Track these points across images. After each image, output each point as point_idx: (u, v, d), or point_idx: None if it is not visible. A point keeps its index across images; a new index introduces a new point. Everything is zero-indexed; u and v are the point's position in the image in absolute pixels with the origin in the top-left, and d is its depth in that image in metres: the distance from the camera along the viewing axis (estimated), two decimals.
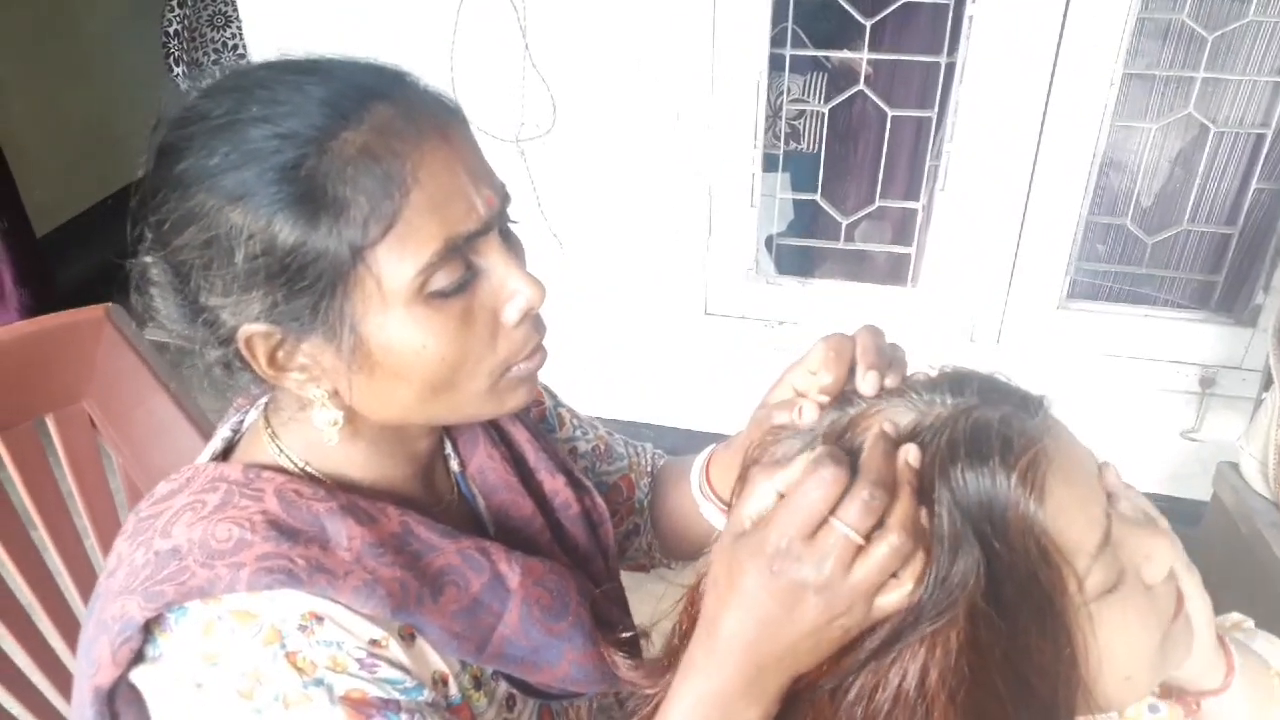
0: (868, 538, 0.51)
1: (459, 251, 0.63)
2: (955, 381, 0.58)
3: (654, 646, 0.68)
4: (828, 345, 0.64)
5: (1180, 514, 0.56)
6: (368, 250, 0.60)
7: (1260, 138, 1.87)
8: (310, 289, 0.60)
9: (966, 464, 0.52)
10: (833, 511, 0.52)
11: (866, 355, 0.62)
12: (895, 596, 0.52)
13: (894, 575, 0.52)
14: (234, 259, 0.59)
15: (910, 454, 0.53)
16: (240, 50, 2.89)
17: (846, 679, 0.55)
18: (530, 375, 0.71)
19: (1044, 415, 0.56)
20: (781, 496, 0.55)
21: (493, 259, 0.65)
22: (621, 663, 0.65)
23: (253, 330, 0.62)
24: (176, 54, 3.02)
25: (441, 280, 0.62)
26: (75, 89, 3.42)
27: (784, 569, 0.52)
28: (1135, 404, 2.06)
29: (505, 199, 0.67)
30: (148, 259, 0.64)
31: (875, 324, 0.66)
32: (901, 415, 0.56)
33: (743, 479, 0.60)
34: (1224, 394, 1.99)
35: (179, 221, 0.60)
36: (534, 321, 0.69)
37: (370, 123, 0.59)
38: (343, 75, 0.62)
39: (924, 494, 0.52)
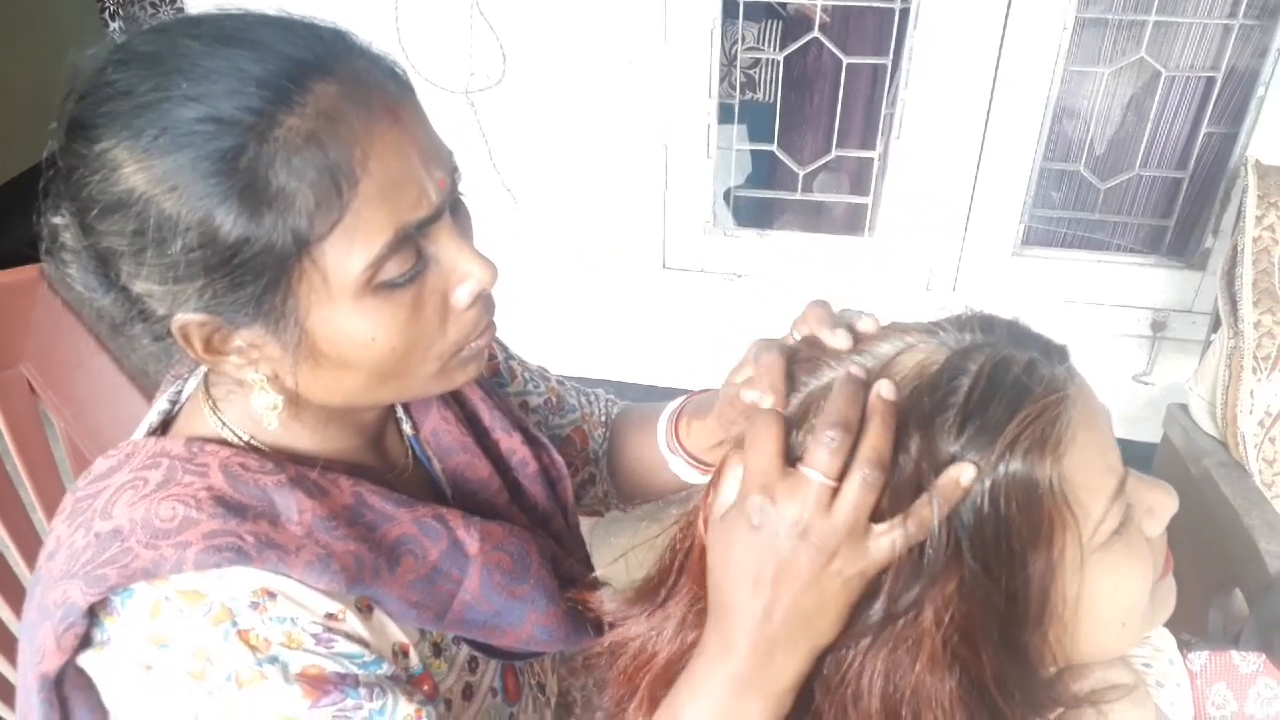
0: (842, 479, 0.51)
1: (410, 240, 0.60)
2: (984, 321, 0.58)
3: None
4: (812, 312, 0.62)
5: (1132, 456, 0.57)
6: (314, 244, 0.57)
7: (1210, 81, 1.88)
8: (252, 283, 0.57)
9: (990, 405, 0.52)
10: (801, 460, 0.52)
11: (823, 322, 0.60)
12: (893, 536, 0.51)
13: (893, 516, 0.51)
14: (167, 250, 0.56)
15: (884, 388, 0.52)
16: (179, 3, 2.79)
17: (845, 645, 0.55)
18: (480, 352, 0.69)
19: (1067, 363, 0.56)
20: None
21: (443, 242, 0.63)
22: (607, 596, 0.64)
23: (188, 320, 0.59)
24: (112, 8, 2.91)
25: (391, 270, 0.59)
26: (11, 48, 3.29)
27: (764, 521, 0.52)
28: (1088, 349, 2.06)
29: (456, 175, 0.64)
30: (57, 220, 0.60)
31: (818, 299, 0.64)
32: (935, 352, 0.55)
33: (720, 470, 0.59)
34: (1175, 337, 2.02)
35: (104, 208, 0.56)
36: (485, 301, 0.67)
37: (314, 105, 0.55)
38: (280, 47, 0.57)
39: (922, 422, 0.52)
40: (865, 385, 0.53)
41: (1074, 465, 0.52)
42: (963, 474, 0.51)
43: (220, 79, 0.55)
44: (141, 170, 0.55)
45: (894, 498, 0.52)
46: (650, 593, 0.62)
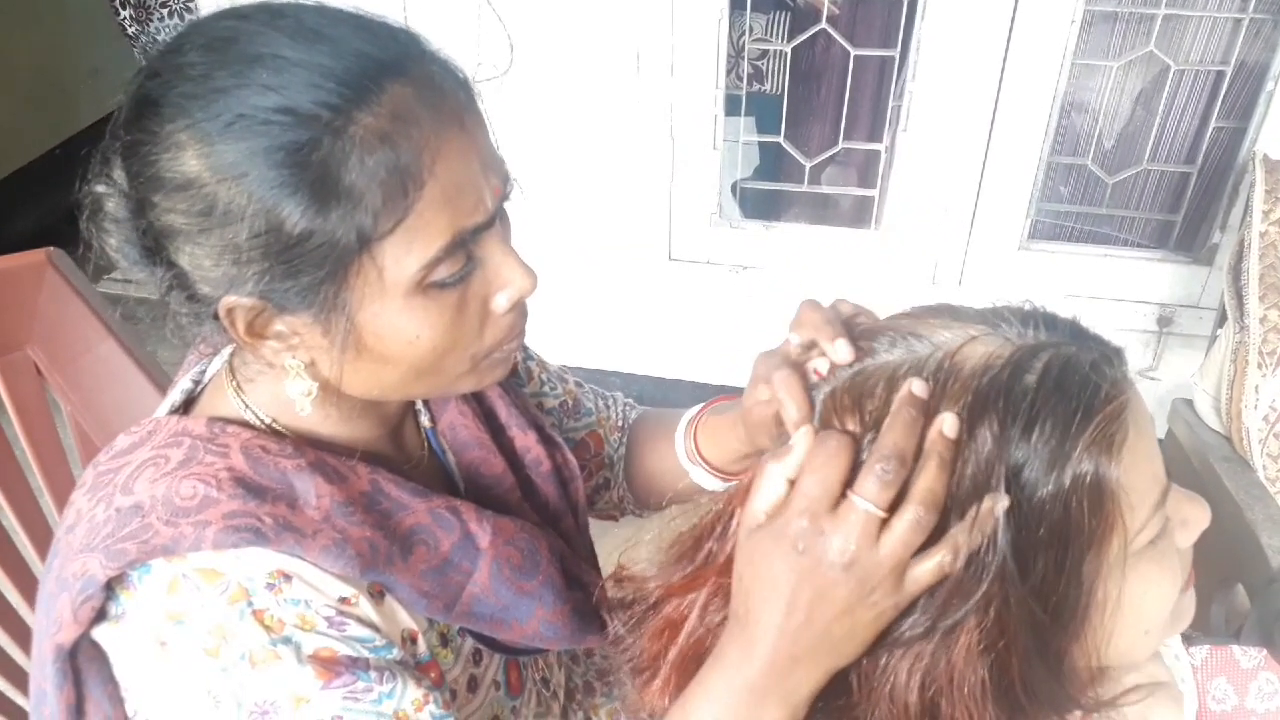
0: (894, 509, 0.51)
1: (463, 244, 0.61)
2: (1048, 319, 0.57)
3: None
4: (808, 315, 0.63)
5: None
6: (375, 242, 0.58)
7: (1220, 75, 1.87)
8: (310, 273, 0.58)
9: (1060, 403, 0.51)
10: (851, 486, 0.52)
11: (821, 330, 0.60)
12: (928, 567, 0.51)
13: (925, 547, 0.51)
14: (231, 234, 0.57)
15: (947, 424, 0.51)
16: None
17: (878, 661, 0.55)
18: (509, 356, 0.71)
19: (1124, 366, 0.56)
20: (792, 483, 0.54)
21: (491, 248, 0.64)
22: (645, 556, 0.65)
23: (237, 301, 0.60)
24: None
25: (442, 272, 0.61)
26: (21, 34, 3.29)
27: (809, 547, 0.52)
28: None
29: (509, 184, 0.66)
30: (100, 189, 0.61)
31: (810, 299, 0.65)
32: (1000, 346, 0.54)
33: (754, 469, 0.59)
34: (1181, 333, 2.02)
35: (172, 186, 0.57)
36: (520, 307, 0.68)
37: (389, 106, 0.57)
38: (358, 45, 0.58)
39: (992, 419, 0.51)
40: (926, 407, 0.52)
41: (1127, 468, 0.52)
42: (997, 504, 0.50)
43: (300, 72, 0.55)
44: (214, 154, 0.55)
45: (961, 495, 0.52)
46: (689, 553, 0.63)
